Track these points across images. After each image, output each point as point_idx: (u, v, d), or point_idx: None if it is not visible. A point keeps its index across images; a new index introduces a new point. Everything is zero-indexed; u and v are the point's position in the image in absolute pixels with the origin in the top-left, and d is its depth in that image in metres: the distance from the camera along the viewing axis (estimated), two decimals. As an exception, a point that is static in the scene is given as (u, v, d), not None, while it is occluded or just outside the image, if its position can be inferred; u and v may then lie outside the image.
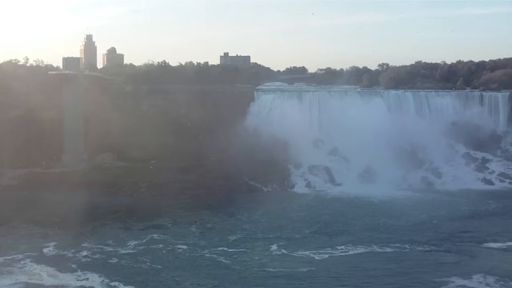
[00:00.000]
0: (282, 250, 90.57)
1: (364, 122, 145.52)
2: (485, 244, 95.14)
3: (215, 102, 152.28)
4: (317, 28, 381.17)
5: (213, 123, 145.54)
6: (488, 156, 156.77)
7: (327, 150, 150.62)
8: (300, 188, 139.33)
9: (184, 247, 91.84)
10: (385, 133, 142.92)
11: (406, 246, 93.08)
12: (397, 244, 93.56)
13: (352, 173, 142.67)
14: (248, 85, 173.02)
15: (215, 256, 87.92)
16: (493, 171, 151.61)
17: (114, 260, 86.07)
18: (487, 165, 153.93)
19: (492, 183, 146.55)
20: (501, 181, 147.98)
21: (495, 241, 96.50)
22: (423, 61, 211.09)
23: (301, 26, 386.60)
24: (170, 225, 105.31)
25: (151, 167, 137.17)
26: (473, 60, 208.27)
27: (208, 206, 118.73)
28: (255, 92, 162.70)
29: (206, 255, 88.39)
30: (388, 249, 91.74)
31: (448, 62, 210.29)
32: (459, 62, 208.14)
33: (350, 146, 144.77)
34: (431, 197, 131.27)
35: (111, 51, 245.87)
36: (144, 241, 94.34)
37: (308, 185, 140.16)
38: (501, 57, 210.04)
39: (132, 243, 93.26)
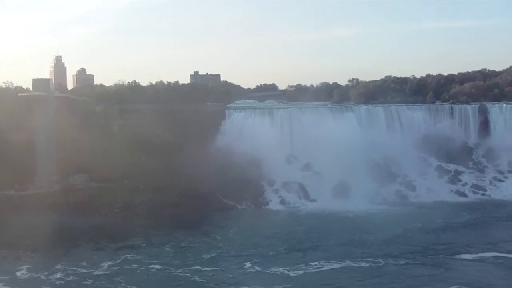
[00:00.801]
0: (256, 268, 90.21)
1: (336, 137, 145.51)
2: (460, 256, 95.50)
3: (186, 121, 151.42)
4: (287, 44, 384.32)
5: (185, 142, 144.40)
6: (460, 168, 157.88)
7: (300, 166, 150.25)
8: (274, 205, 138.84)
9: (158, 266, 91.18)
10: (357, 148, 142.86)
11: (381, 260, 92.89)
12: (372, 259, 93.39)
13: (326, 188, 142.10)
14: (219, 104, 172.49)
15: (189, 275, 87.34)
16: (466, 183, 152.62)
17: (89, 282, 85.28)
18: (459, 177, 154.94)
19: (465, 195, 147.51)
20: (474, 192, 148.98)
21: (469, 252, 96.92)
22: (392, 75, 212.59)
23: (270, 43, 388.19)
24: (144, 245, 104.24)
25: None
26: (442, 73, 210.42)
27: (182, 225, 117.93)
28: (226, 110, 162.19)
29: (180, 274, 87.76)
30: (364, 264, 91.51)
31: (418, 76, 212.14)
32: (428, 75, 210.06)
33: (323, 161, 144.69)
34: (405, 210, 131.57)
35: (81, 72, 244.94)
36: (118, 261, 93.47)
37: (282, 201, 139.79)
38: (470, 70, 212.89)
39: (106, 264, 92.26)
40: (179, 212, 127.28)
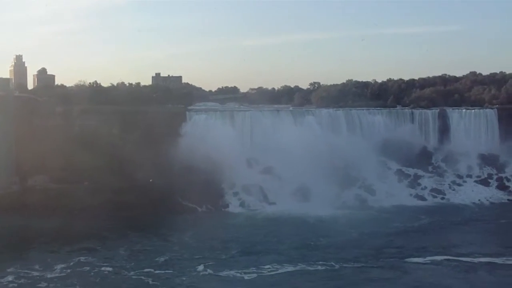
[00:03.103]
0: (209, 271, 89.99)
1: (297, 140, 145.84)
2: (414, 259, 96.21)
3: (147, 123, 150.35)
4: (248, 47, 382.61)
5: (146, 144, 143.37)
6: (420, 172, 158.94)
7: (261, 169, 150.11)
8: (234, 207, 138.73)
9: (111, 269, 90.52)
10: (318, 151, 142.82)
11: (337, 263, 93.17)
12: (327, 262, 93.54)
13: (286, 191, 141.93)
14: (180, 106, 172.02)
15: (142, 277, 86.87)
16: (425, 187, 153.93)
17: (43, 285, 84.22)
18: (419, 181, 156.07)
19: (424, 199, 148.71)
20: (433, 196, 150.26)
21: (423, 255, 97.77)
22: (354, 79, 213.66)
23: (232, 46, 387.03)
24: (99, 247, 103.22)
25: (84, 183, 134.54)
26: (403, 78, 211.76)
27: (139, 228, 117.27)
28: (187, 112, 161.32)
29: (133, 277, 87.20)
30: (319, 267, 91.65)
31: (379, 80, 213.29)
32: (389, 80, 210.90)
33: (283, 164, 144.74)
34: (364, 214, 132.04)
35: (42, 72, 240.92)
36: (71, 264, 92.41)
37: (242, 204, 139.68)
38: (430, 75, 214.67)
39: (59, 266, 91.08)
40: (139, 214, 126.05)
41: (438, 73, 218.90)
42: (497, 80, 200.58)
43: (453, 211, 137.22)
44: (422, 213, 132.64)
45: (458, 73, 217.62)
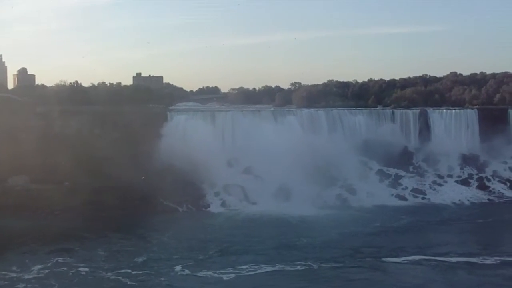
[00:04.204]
0: (186, 271, 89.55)
1: (278, 140, 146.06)
2: (395, 259, 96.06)
3: (128, 123, 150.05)
4: (229, 48, 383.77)
5: (127, 144, 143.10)
6: (401, 172, 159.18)
7: (242, 169, 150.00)
8: (215, 207, 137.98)
9: (88, 270, 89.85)
10: (299, 151, 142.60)
11: (316, 263, 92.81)
12: (307, 262, 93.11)
13: (267, 191, 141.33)
14: (161, 106, 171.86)
15: (120, 278, 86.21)
16: (406, 187, 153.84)
17: (20, 286, 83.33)
18: (400, 181, 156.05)
19: (405, 199, 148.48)
20: (414, 196, 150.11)
21: (403, 255, 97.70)
22: (335, 79, 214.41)
23: (213, 46, 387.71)
24: (78, 248, 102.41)
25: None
26: (384, 78, 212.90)
27: (119, 228, 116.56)
28: (168, 112, 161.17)
29: (111, 277, 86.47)
30: (299, 267, 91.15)
31: (360, 80, 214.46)
32: (370, 80, 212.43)
33: (264, 164, 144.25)
34: (345, 214, 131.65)
35: (22, 72, 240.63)
36: (49, 264, 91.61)
37: (223, 204, 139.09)
38: (411, 75, 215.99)
39: (37, 267, 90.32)
40: (119, 214, 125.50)
41: (419, 73, 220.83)
42: (478, 80, 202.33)
43: (434, 211, 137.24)
44: (403, 213, 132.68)
45: (439, 74, 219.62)
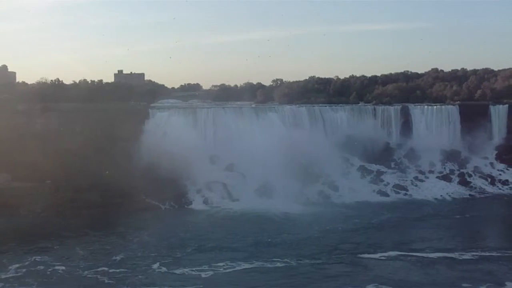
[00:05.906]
0: (164, 268, 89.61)
1: (260, 137, 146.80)
2: (375, 255, 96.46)
3: (110, 120, 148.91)
4: (210, 45, 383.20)
5: (109, 141, 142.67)
6: (382, 168, 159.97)
7: (224, 166, 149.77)
8: (197, 204, 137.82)
9: (64, 268, 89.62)
10: (281, 148, 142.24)
11: (296, 260, 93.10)
12: (286, 259, 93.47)
13: (249, 188, 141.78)
14: (143, 103, 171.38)
15: (98, 276, 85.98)
16: (388, 183, 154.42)
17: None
18: (382, 177, 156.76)
19: (387, 195, 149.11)
20: (396, 192, 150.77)
21: (384, 250, 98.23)
22: (316, 76, 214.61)
23: (194, 43, 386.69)
24: (56, 246, 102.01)
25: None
26: (365, 74, 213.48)
27: (99, 226, 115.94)
28: (150, 109, 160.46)
29: (89, 276, 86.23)
30: (278, 264, 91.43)
31: (341, 76, 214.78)
32: (351, 76, 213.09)
33: (246, 161, 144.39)
34: (327, 210, 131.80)
35: (3, 69, 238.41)
36: (27, 263, 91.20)
37: (205, 201, 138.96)
38: (393, 72, 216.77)
39: (14, 266, 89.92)
40: (101, 212, 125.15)
41: (400, 69, 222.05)
42: (459, 76, 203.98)
43: (415, 207, 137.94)
44: (385, 209, 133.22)
45: (420, 70, 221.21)
